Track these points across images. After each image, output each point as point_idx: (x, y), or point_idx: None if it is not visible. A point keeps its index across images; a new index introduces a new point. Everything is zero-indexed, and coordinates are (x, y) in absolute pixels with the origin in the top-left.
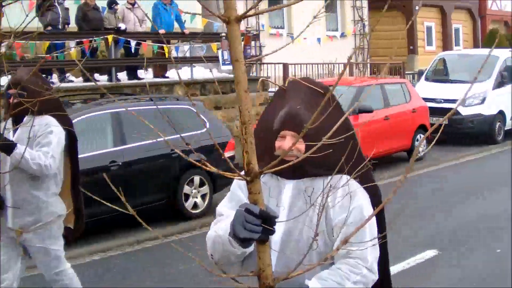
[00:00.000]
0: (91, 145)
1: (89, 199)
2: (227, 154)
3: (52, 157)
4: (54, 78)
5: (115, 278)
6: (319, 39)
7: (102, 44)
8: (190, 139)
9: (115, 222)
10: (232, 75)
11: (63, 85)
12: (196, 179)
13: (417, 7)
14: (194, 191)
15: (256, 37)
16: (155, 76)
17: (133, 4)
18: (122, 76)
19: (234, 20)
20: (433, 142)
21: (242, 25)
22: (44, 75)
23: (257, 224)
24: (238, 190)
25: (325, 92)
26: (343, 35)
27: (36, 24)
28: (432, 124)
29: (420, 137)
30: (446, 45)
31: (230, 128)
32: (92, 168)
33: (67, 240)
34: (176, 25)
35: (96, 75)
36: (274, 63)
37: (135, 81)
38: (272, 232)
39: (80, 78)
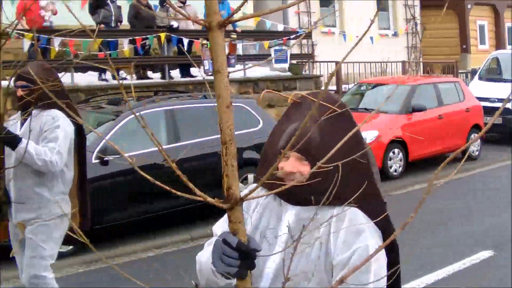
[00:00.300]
0: (145, 142)
1: (144, 196)
2: None
3: (59, 153)
4: (108, 75)
5: (170, 274)
6: (371, 38)
7: (155, 42)
8: (243, 137)
9: (170, 219)
10: (284, 73)
11: (116, 82)
12: (250, 177)
13: (469, 6)
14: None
15: (309, 35)
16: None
17: (184, 2)
18: (175, 73)
19: (217, 26)
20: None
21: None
22: (98, 73)
23: (235, 258)
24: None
25: (339, 108)
26: (395, 34)
27: (89, 22)
28: (486, 124)
29: (474, 136)
30: (499, 44)
31: None
32: (147, 165)
33: (72, 241)
34: None
35: (149, 73)
36: (326, 62)
37: (188, 78)
38: (252, 267)
39: (134, 75)
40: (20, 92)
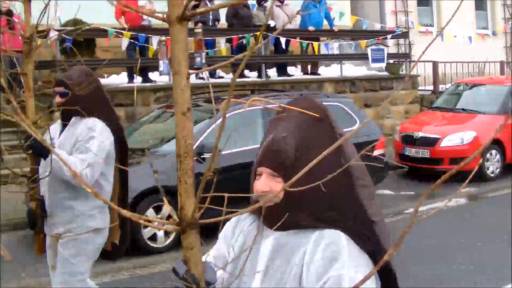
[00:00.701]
0: (242, 140)
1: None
2: (377, 152)
3: (90, 165)
4: (205, 74)
5: None
6: (470, 38)
7: (252, 41)
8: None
9: None
10: (381, 73)
11: (214, 81)
12: None
13: None
14: None
15: (406, 35)
16: (304, 73)
17: (282, 1)
18: (272, 72)
19: (176, 19)
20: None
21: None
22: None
23: None
24: (228, 227)
25: (320, 115)
26: (493, 33)
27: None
28: None
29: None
30: None
31: (380, 126)
32: (243, 163)
33: (111, 256)
34: (325, 22)
35: (246, 72)
36: (424, 61)
37: (285, 77)
38: None
39: (230, 74)
40: (58, 99)
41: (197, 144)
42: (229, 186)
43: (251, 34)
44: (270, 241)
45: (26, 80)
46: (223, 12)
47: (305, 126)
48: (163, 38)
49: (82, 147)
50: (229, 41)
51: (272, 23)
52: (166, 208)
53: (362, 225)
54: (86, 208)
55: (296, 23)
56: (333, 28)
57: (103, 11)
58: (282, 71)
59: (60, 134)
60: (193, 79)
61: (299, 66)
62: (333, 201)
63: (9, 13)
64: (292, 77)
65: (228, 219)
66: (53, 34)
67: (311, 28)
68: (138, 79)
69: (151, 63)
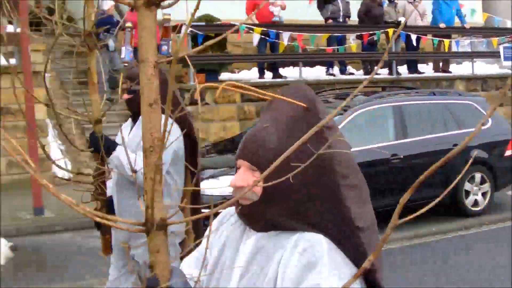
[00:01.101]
0: (373, 137)
1: (375, 190)
2: (508, 152)
3: None
4: (335, 70)
5: (394, 271)
6: None
7: (383, 37)
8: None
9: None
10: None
11: (344, 77)
12: (477, 176)
13: None
14: (475, 188)
15: None
16: (435, 70)
17: None
18: (403, 69)
19: (144, 4)
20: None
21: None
22: (325, 67)
23: None
24: (214, 225)
25: (308, 104)
26: None
27: (317, 17)
28: None
29: None
30: None
31: None
32: (373, 160)
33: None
34: (456, 19)
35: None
36: None
37: (416, 75)
38: None
39: (361, 71)
40: (125, 96)
41: None
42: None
43: (381, 31)
44: (251, 242)
45: (90, 75)
46: (354, 9)
47: (289, 117)
48: (129, 24)
49: None
50: (359, 37)
51: (403, 19)
52: None
53: (345, 231)
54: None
55: (427, 20)
56: (465, 25)
57: (234, 6)
58: (412, 68)
59: (130, 133)
60: (323, 75)
61: (430, 64)
62: (313, 202)
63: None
64: (423, 75)
65: (196, 219)
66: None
67: (442, 25)
68: (268, 75)
69: (282, 58)
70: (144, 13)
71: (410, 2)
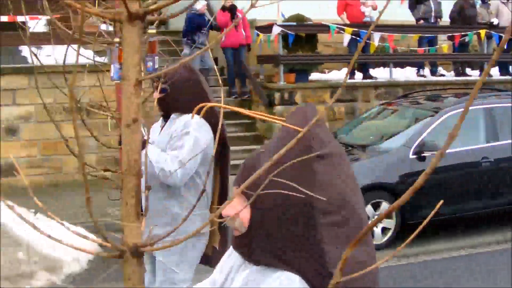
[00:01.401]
0: (462, 140)
1: (456, 195)
2: None
3: (181, 163)
4: (426, 71)
5: (481, 276)
6: None
7: (474, 38)
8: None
9: (482, 219)
10: None
11: (435, 78)
12: None
13: None
14: None
15: None
16: None
17: None
18: (494, 71)
19: (127, 19)
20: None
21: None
22: (416, 68)
23: None
24: (224, 256)
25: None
26: None
27: (408, 18)
28: None
29: None
30: None
31: None
32: (463, 163)
33: (211, 262)
34: None
35: (468, 70)
36: None
37: (507, 77)
38: None
39: (452, 72)
40: (156, 94)
41: (417, 142)
42: (446, 185)
43: (474, 31)
44: (245, 274)
45: None
46: (446, 10)
47: (285, 142)
48: (117, 39)
49: (175, 143)
50: (450, 38)
51: (495, 20)
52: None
53: (322, 273)
54: (183, 210)
55: None
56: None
57: (325, 6)
58: (504, 70)
59: (161, 131)
60: (413, 77)
61: None
62: (292, 241)
63: (233, 8)
64: None
65: (176, 244)
66: (276, 30)
67: None
68: (358, 75)
69: (372, 59)
70: (127, 28)
71: (503, 3)
